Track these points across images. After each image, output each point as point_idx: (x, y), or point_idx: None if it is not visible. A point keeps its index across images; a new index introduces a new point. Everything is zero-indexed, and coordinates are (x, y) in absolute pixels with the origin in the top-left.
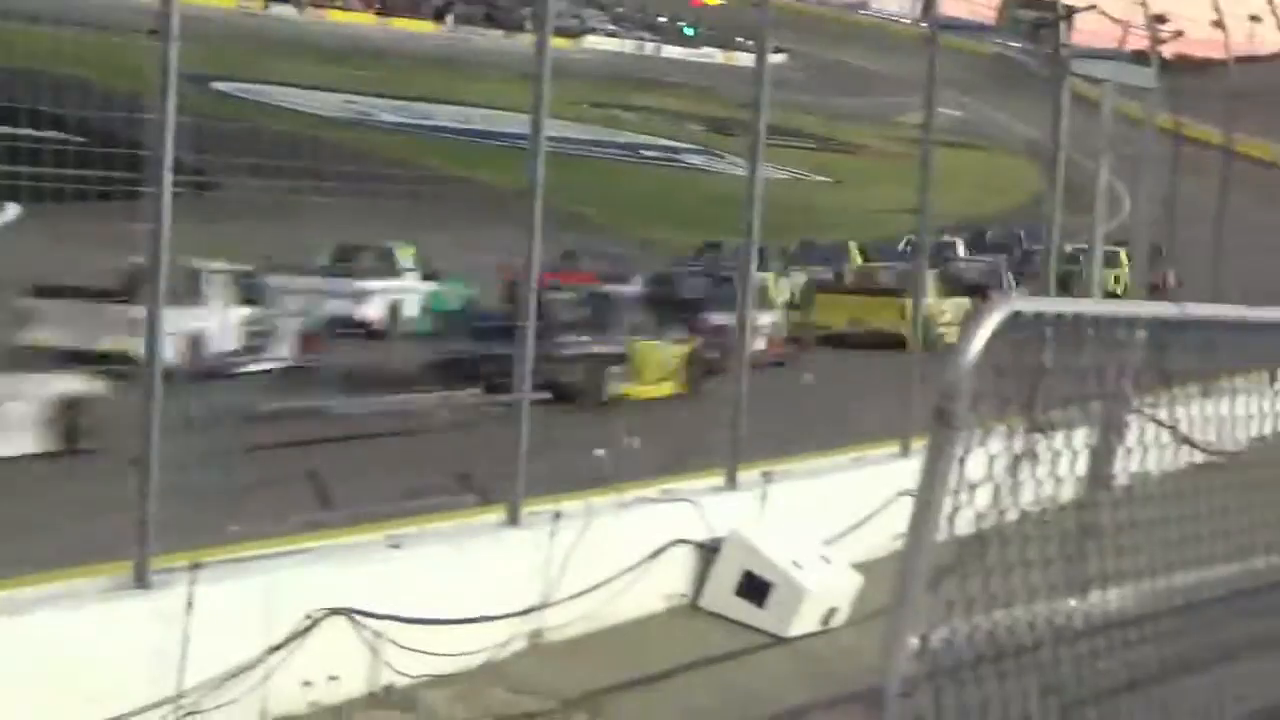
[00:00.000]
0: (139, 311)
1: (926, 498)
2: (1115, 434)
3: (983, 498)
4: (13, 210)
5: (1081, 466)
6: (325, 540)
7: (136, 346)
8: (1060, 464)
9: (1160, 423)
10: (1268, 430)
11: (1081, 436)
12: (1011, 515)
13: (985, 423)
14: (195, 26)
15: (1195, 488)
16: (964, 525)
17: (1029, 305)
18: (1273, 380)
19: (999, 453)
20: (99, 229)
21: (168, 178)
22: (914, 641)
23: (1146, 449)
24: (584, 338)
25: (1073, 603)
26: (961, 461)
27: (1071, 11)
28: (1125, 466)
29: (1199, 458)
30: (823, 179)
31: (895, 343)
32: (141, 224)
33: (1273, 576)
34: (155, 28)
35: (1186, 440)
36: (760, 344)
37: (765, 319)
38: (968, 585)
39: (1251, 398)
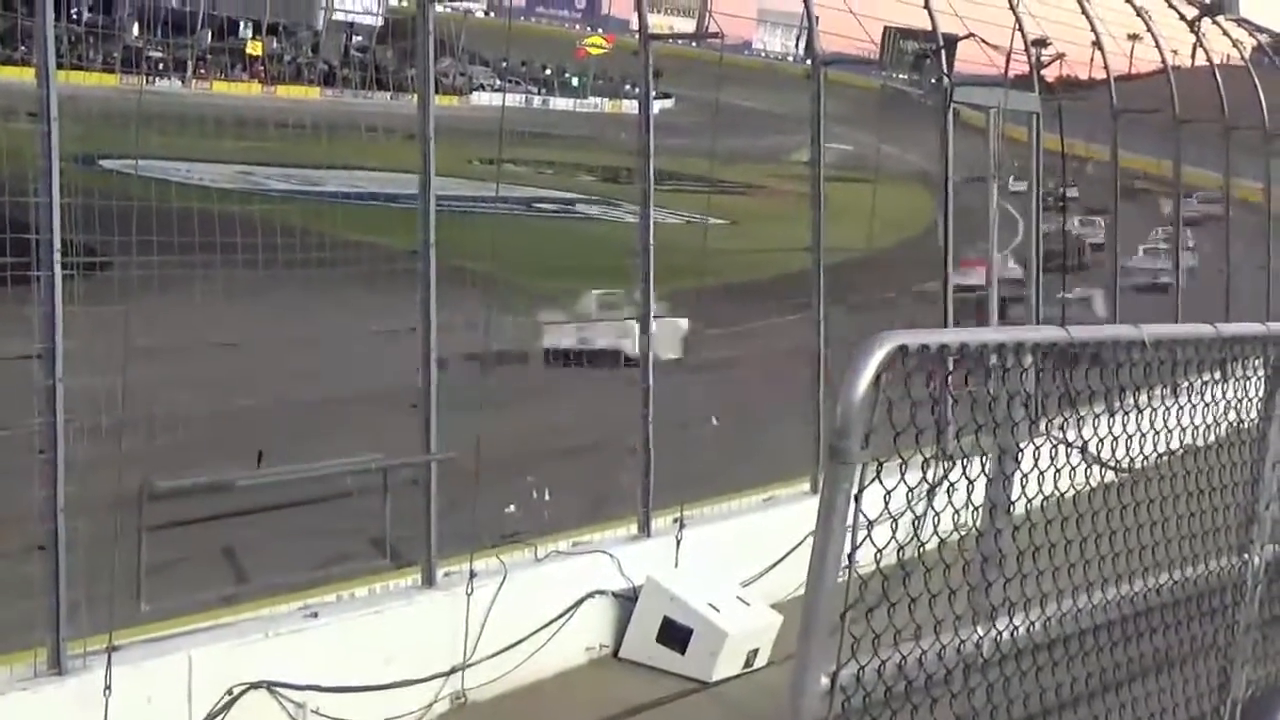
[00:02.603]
0: None
1: (825, 535)
2: (1012, 459)
3: (884, 531)
4: None
5: (980, 494)
6: (242, 614)
7: None
8: (960, 493)
9: (1067, 444)
10: (1175, 445)
11: (980, 464)
12: (913, 547)
13: (881, 456)
14: (77, 106)
15: (1103, 506)
16: (867, 560)
17: (914, 338)
18: (1174, 394)
19: (897, 485)
20: None
21: (57, 260)
22: (823, 680)
23: (1057, 470)
24: None
25: (979, 631)
26: (858, 497)
27: (952, 41)
28: (1029, 490)
29: (1108, 476)
30: (717, 221)
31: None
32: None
33: (1178, 592)
34: (34, 110)
35: (1095, 460)
36: None
37: None
38: (874, 620)
39: (1155, 413)
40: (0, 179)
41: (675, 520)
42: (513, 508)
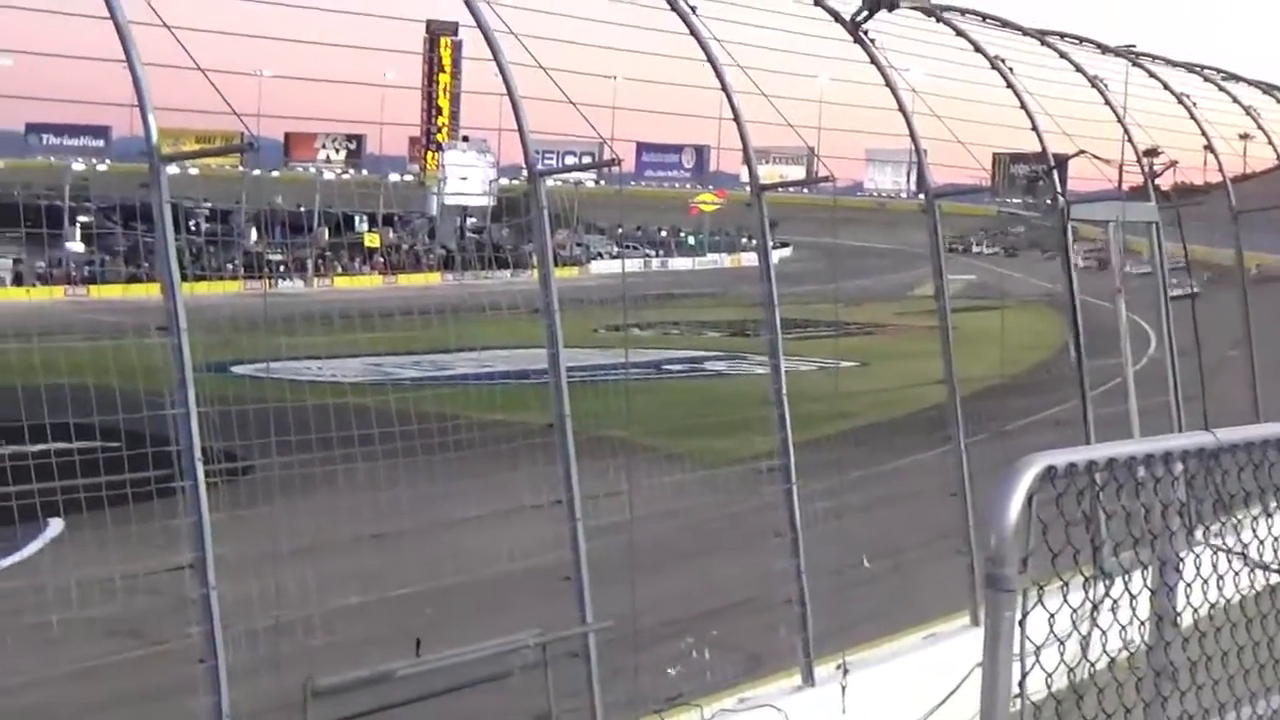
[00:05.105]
0: None
1: (993, 664)
2: (1174, 570)
3: (1052, 655)
4: (56, 526)
5: (1145, 609)
6: None
7: None
8: (1124, 609)
9: (1226, 550)
10: None
11: (1142, 578)
12: (1083, 669)
13: (1041, 580)
14: (204, 316)
15: (1270, 609)
16: (1038, 686)
17: (1060, 457)
18: None
19: (1060, 607)
20: (141, 529)
21: (199, 468)
22: None
23: (1220, 577)
24: None
25: None
26: (1022, 623)
27: (1063, 160)
28: (1193, 600)
29: (1273, 578)
30: (848, 363)
31: None
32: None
33: None
34: (163, 323)
35: (1257, 563)
36: None
37: None
38: None
39: None
40: (137, 394)
41: (838, 667)
42: (675, 669)
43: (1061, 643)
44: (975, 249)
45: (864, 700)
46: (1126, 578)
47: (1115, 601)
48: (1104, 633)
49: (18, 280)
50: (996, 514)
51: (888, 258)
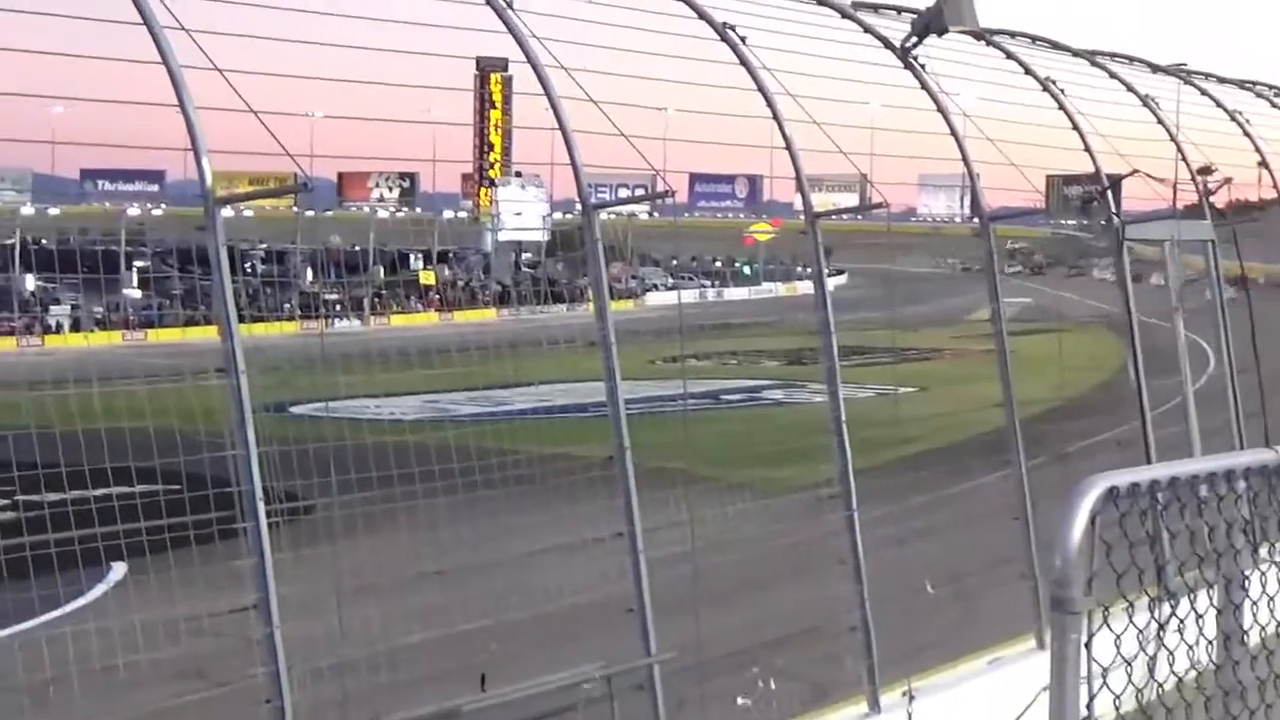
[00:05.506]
0: None
1: (1060, 687)
2: (1239, 588)
3: (1119, 676)
4: (119, 569)
5: (1211, 628)
6: None
7: None
8: (1191, 628)
9: None
10: None
11: (1208, 596)
12: (1151, 689)
13: (1106, 601)
14: (262, 357)
15: None
16: (1106, 708)
17: (1123, 477)
18: None
19: (1126, 628)
20: (204, 571)
21: (260, 509)
22: None
23: None
24: None
25: None
26: (1088, 645)
27: (1117, 180)
28: (1260, 618)
29: None
30: (907, 389)
31: None
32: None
33: None
34: (221, 365)
35: None
36: None
37: None
38: None
39: None
40: (197, 436)
41: (904, 694)
42: (742, 700)
43: (1129, 664)
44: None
45: None
46: (1192, 597)
47: (1181, 621)
48: (1171, 653)
49: (75, 326)
50: (1060, 536)
51: (933, 281)
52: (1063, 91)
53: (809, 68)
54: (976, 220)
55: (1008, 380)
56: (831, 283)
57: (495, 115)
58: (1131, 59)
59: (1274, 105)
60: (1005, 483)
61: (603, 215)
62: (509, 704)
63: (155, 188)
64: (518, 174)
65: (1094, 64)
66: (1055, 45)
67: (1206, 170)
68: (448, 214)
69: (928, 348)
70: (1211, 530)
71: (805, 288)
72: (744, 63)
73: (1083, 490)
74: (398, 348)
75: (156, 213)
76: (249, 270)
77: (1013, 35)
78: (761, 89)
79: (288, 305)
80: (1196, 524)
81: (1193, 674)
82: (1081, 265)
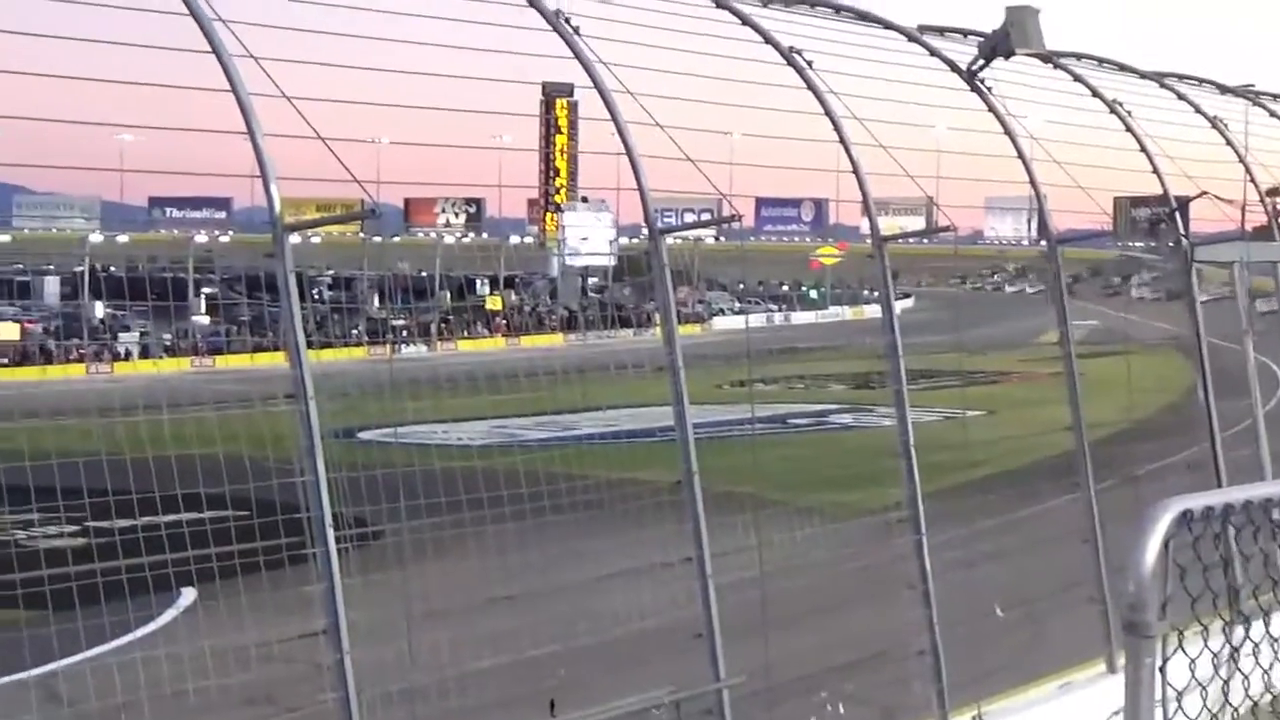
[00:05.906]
0: None
1: (1134, 711)
2: None
3: (1194, 701)
4: (189, 595)
5: None
6: None
7: None
8: (1265, 652)
9: None
10: None
11: None
12: (1227, 714)
13: (1180, 625)
14: (330, 383)
15: None
16: None
17: (1196, 501)
18: None
19: (1201, 652)
20: (273, 597)
21: (330, 534)
22: None
23: None
24: None
25: None
26: (1163, 669)
27: (1185, 202)
28: None
29: None
30: (975, 412)
31: None
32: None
33: None
34: (290, 391)
35: None
36: None
37: None
38: None
39: None
40: (266, 462)
41: (974, 718)
42: None
43: (1203, 688)
44: (1030, 289)
45: None
46: (1266, 620)
47: (1256, 645)
48: (1245, 676)
49: (144, 353)
50: (1134, 560)
51: (1010, 305)
52: (1130, 113)
53: (875, 91)
54: (1044, 243)
55: (1077, 403)
56: (899, 306)
57: (561, 140)
58: (1199, 80)
59: None
60: (1074, 506)
61: (669, 240)
62: None
63: (222, 214)
64: (584, 199)
65: (1162, 85)
66: (1122, 67)
67: (1276, 192)
68: (514, 239)
69: (995, 371)
70: None
71: (872, 311)
72: (810, 86)
73: (1156, 514)
74: (465, 373)
75: (224, 239)
76: (316, 296)
77: (1079, 57)
78: (828, 112)
79: (355, 331)
80: (1270, 547)
81: (1267, 697)
82: (1116, 284)
